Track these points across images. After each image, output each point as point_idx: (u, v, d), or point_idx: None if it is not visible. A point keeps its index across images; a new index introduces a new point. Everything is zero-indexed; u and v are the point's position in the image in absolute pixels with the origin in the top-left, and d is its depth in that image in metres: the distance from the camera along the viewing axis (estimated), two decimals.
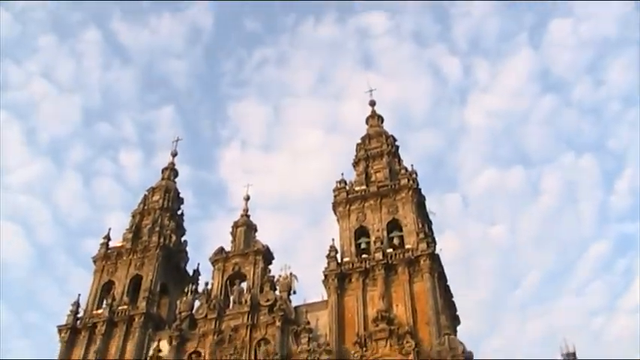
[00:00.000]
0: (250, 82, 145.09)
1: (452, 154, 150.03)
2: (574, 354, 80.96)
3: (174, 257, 46.09)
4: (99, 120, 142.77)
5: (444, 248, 39.39)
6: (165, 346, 38.06)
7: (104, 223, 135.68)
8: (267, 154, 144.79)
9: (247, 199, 45.52)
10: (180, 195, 51.59)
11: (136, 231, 47.03)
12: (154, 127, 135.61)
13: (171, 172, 52.88)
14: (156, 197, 49.98)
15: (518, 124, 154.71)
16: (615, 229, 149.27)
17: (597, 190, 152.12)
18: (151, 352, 38.18)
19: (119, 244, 46.30)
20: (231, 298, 39.30)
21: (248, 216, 44.46)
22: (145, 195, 50.57)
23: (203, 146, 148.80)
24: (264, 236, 44.30)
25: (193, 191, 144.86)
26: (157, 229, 46.11)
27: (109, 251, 45.75)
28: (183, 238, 48.75)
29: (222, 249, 41.88)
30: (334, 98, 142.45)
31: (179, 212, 50.44)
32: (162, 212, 48.50)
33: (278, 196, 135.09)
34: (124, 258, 44.80)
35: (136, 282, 43.63)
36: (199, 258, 54.74)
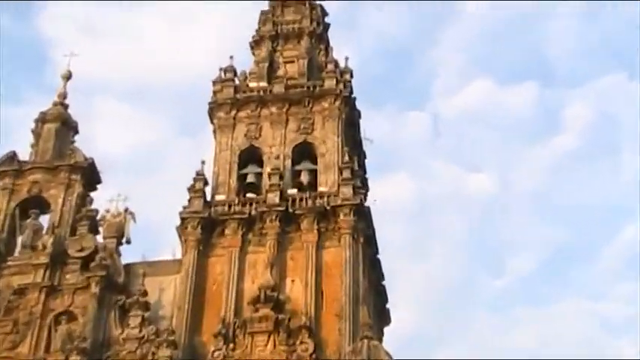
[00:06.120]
0: None
1: (428, 50, 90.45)
2: None
3: None
4: None
5: (384, 199, 30.47)
6: None
7: None
8: (120, 11, 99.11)
9: (68, 77, 31.13)
10: None
11: None
12: None
13: None
14: None
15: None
16: None
17: None
18: None
19: None
20: (20, 238, 27.94)
21: (66, 106, 30.56)
22: None
23: None
24: (94, 143, 32.80)
25: None
26: None
27: None
28: None
29: (14, 156, 28.73)
30: None
31: None
32: None
33: (131, 80, 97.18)
34: None
35: None
36: None
